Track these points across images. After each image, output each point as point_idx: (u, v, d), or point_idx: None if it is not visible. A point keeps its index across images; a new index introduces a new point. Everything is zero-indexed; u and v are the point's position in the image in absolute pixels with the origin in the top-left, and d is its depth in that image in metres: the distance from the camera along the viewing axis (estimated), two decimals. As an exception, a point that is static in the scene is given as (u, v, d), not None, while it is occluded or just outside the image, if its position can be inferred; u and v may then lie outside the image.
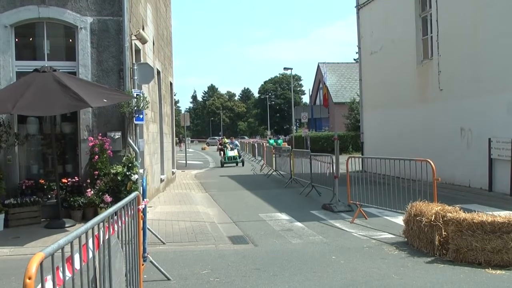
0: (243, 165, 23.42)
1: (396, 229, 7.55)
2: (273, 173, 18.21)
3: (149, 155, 11.08)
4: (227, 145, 25.07)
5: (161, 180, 13.08)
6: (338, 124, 38.10)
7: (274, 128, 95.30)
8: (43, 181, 8.55)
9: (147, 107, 9.06)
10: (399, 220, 7.91)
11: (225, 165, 23.67)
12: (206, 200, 12.13)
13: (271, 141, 40.63)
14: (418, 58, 15.22)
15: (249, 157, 32.97)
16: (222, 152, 24.72)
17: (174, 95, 18.45)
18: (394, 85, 16.57)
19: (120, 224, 3.52)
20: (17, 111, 6.68)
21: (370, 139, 18.68)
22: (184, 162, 24.90)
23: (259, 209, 10.25)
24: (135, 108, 8.70)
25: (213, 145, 67.50)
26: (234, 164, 23.70)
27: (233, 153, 23.85)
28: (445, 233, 5.97)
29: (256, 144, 30.93)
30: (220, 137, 45.04)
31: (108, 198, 8.17)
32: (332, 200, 10.05)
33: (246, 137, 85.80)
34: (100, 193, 8.28)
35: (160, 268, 5.36)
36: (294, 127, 44.84)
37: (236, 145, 25.84)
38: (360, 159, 10.57)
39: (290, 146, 33.10)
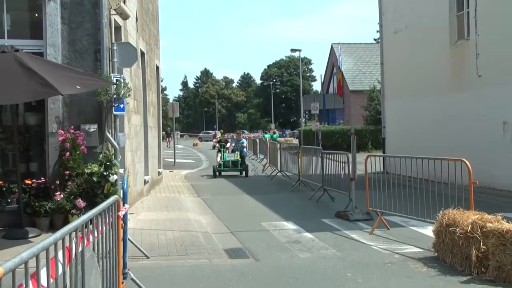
0: (246, 175, 18.53)
1: (424, 242, 7.55)
2: (277, 174, 18.22)
3: (130, 152, 11.07)
4: (226, 144, 20.16)
5: (145, 182, 13.09)
6: (355, 116, 38.07)
7: (279, 121, 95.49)
8: (1, 182, 8.44)
9: (129, 95, 9.01)
10: (428, 231, 7.89)
11: (221, 172, 18.94)
12: (198, 205, 12.12)
13: (266, 135, 40.91)
14: (452, 38, 15.16)
15: (250, 155, 33.06)
16: (217, 154, 19.66)
17: (161, 81, 18.44)
18: (422, 70, 16.52)
19: (96, 234, 3.51)
20: (-28, 98, 6.63)
21: (393, 134, 18.66)
22: (173, 160, 24.90)
23: (261, 217, 10.26)
24: (115, 96, 8.67)
25: (207, 140, 67.58)
26: (236, 173, 18.94)
27: (233, 156, 18.99)
28: (484, 247, 5.93)
29: (257, 140, 30.92)
30: (214, 132, 45.13)
31: (81, 203, 8.15)
32: (348, 207, 10.06)
33: (246, 132, 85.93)
34: (72, 197, 8.24)
35: (143, 286, 5.34)
36: (303, 120, 44.88)
37: (242, 145, 19.99)
38: (381, 158, 10.54)
39: (297, 142, 33.22)
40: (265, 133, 49.79)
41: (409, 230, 8.62)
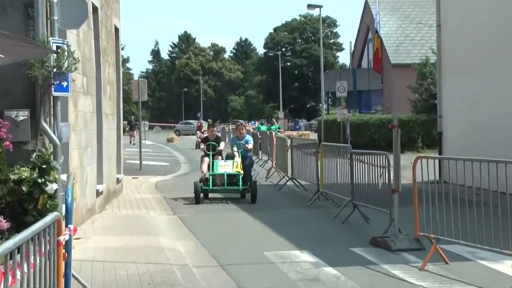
0: (253, 200, 15.10)
1: (500, 283, 7.52)
2: (287, 183, 18.23)
3: (78, 150, 11.06)
4: (218, 144, 16.32)
5: (98, 193, 13.09)
6: (399, 101, 38.03)
7: (290, 107, 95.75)
8: None
9: (76, 68, 8.96)
10: (507, 267, 7.84)
11: (208, 195, 15.84)
12: (174, 227, 12.09)
13: (262, 127, 40.75)
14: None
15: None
16: (204, 160, 15.95)
17: (122, 49, 18.38)
18: (498, 36, 16.45)
19: (25, 269, 3.47)
20: None
21: (454, 128, 18.61)
22: (138, 162, 24.93)
23: (264, 244, 10.24)
24: (55, 70, 8.63)
25: (187, 134, 67.75)
26: (234, 195, 15.79)
27: (230, 165, 15.51)
28: None
29: (258, 134, 30.93)
30: (198, 122, 44.53)
31: (3, 223, 8.10)
32: (389, 231, 10.04)
33: (242, 122, 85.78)
34: (-8, 214, 8.21)
35: None
36: (324, 106, 44.93)
37: (246, 146, 16.61)
38: (437, 160, 10.47)
39: (315, 138, 33.20)
40: (261, 123, 49.69)
41: (478, 265, 8.59)
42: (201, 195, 15.22)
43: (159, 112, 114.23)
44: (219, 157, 16.08)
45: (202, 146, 16.53)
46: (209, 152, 15.75)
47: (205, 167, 15.71)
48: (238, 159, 15.70)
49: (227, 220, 12.90)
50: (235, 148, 16.26)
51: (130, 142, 44.37)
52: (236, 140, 16.91)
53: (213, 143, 16.08)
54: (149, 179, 20.86)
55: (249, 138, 17.26)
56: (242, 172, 15.44)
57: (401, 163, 10.26)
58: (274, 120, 52.12)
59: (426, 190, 9.09)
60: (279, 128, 44.09)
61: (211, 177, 15.28)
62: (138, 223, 12.05)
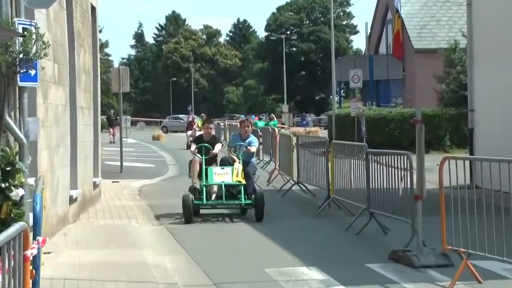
0: (258, 218, 13.85)
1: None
2: (293, 188, 18.25)
3: (48, 149, 11.06)
4: (214, 145, 15.06)
5: (72, 200, 13.10)
6: (423, 92, 38.01)
7: (296, 100, 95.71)
8: None
9: (45, 54, 8.95)
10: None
11: (199, 211, 14.51)
12: (160, 239, 12.07)
13: (260, 123, 40.68)
14: None
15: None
16: (194, 166, 14.64)
17: (100, 31, 18.32)
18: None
19: (-14, 288, 3.43)
20: None
21: (489, 123, 18.56)
22: (119, 164, 24.92)
23: (264, 259, 10.24)
24: (21, 55, 8.62)
25: (176, 131, 67.62)
26: (233, 210, 15.04)
27: (229, 173, 14.22)
28: None
29: (260, 131, 30.88)
30: (189, 117, 43.96)
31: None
32: (411, 244, 10.04)
33: (239, 116, 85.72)
34: None
35: None
36: (336, 98, 44.90)
37: (249, 150, 15.23)
38: (467, 162, 10.43)
39: (325, 135, 33.11)
40: (259, 119, 49.70)
41: (516, 284, 8.59)
42: (191, 213, 13.67)
43: (143, 106, 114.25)
44: (214, 164, 14.66)
45: (193, 147, 14.95)
46: (203, 157, 14.27)
47: (195, 175, 14.55)
48: (238, 165, 14.22)
49: (222, 231, 12.87)
50: (231, 148, 15.35)
51: (110, 140, 44.26)
52: (238, 140, 15.47)
53: (207, 145, 14.76)
54: (131, 184, 20.84)
55: (253, 139, 15.65)
56: (243, 181, 14.03)
57: (426, 164, 10.25)
58: (273, 115, 52.15)
59: (455, 197, 9.07)
60: (283, 124, 44.07)
61: (204, 187, 13.86)
62: (119, 234, 12.02)
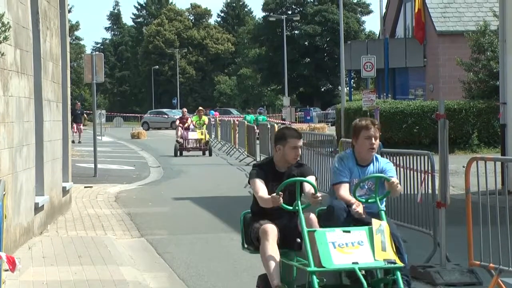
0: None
1: None
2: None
3: (9, 149, 11.04)
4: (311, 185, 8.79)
5: (37, 208, 13.04)
6: (448, 82, 38.06)
7: (298, 91, 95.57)
8: None
9: (5, 38, 8.97)
10: None
11: None
12: (141, 253, 12.08)
13: (249, 117, 40.55)
14: None
15: (240, 156, 33.02)
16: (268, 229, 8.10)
17: (69, 11, 18.28)
18: None
19: None
20: None
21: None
22: (92, 166, 24.90)
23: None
24: (-23, 39, 8.60)
25: (159, 128, 67.53)
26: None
27: (362, 248, 7.60)
28: None
29: (257, 128, 30.89)
30: (182, 110, 43.38)
31: None
32: (433, 258, 10.05)
33: (234, 112, 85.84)
34: None
35: None
36: (345, 89, 44.88)
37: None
38: (498, 163, 10.44)
39: (333, 133, 33.04)
40: (248, 112, 49.75)
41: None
42: None
43: (121, 98, 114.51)
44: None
45: (264, 193, 8.07)
46: (290, 208, 7.78)
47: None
48: (384, 223, 7.78)
49: (212, 244, 12.87)
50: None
51: (73, 140, 43.54)
52: (355, 168, 8.59)
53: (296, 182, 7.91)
54: (107, 189, 20.86)
55: (386, 163, 8.73)
56: (399, 261, 7.47)
57: (450, 166, 10.27)
58: (263, 109, 52.23)
59: (484, 204, 9.05)
60: (284, 120, 44.10)
61: (314, 279, 7.22)
62: (93, 248, 11.99)
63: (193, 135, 34.73)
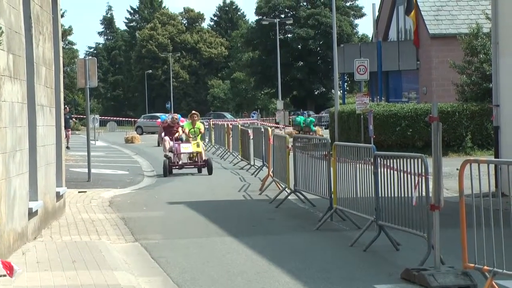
0: None
1: None
2: (289, 197, 18.26)
3: (2, 155, 11.02)
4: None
5: (31, 213, 13.02)
6: (441, 84, 38.04)
7: (292, 94, 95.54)
8: None
9: (-2, 41, 8.94)
10: None
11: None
12: (135, 258, 12.08)
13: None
14: None
15: (234, 159, 32.94)
16: None
17: (62, 16, 18.27)
18: None
19: None
20: None
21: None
22: (86, 171, 24.86)
23: (258, 281, 10.25)
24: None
25: (153, 133, 67.38)
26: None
27: None
28: None
29: (250, 131, 30.84)
30: (168, 116, 42.95)
31: None
32: (427, 261, 10.06)
33: (228, 116, 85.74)
34: None
35: None
36: (339, 93, 44.92)
37: None
38: (492, 166, 10.42)
39: (326, 136, 33.07)
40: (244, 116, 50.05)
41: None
42: None
43: (114, 103, 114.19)
44: None
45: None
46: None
47: None
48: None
49: (208, 248, 12.84)
50: None
51: (65, 145, 43.59)
52: None
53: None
54: (101, 194, 20.79)
55: None
56: None
57: (444, 169, 10.27)
58: (257, 113, 52.25)
59: (478, 206, 9.07)
60: (277, 123, 44.16)
61: None
62: (87, 253, 11.96)
63: (186, 148, 26.86)
